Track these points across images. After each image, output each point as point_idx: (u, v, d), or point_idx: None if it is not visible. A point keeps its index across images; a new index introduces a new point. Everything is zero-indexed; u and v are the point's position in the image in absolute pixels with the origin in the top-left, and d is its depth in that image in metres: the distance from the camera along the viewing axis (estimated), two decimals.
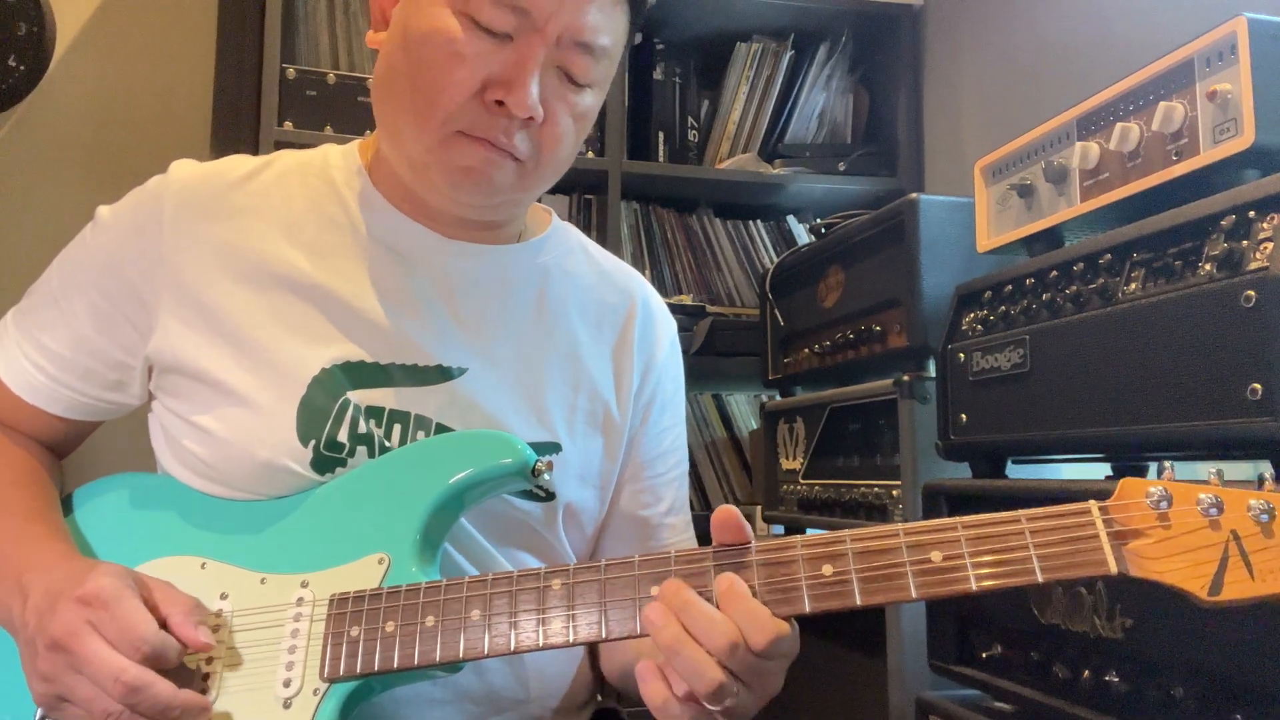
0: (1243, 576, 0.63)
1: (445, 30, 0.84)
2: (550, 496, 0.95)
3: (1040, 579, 0.67)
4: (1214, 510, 0.65)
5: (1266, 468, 0.80)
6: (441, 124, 0.86)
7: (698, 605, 0.70)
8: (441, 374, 0.92)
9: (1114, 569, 0.66)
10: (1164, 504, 0.66)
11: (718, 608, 0.71)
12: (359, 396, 0.90)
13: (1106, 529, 0.67)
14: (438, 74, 0.85)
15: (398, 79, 0.88)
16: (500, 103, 0.84)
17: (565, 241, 1.06)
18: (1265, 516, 0.63)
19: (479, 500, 0.89)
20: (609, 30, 0.88)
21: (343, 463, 0.89)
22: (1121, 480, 0.69)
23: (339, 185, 0.97)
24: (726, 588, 0.71)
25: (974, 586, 0.68)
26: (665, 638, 0.70)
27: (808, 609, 0.71)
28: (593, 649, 1.04)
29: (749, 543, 0.73)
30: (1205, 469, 0.91)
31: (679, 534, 1.07)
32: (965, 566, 0.69)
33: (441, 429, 0.91)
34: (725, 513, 0.74)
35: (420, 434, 0.91)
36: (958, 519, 0.70)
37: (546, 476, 0.89)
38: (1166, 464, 0.69)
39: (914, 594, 0.69)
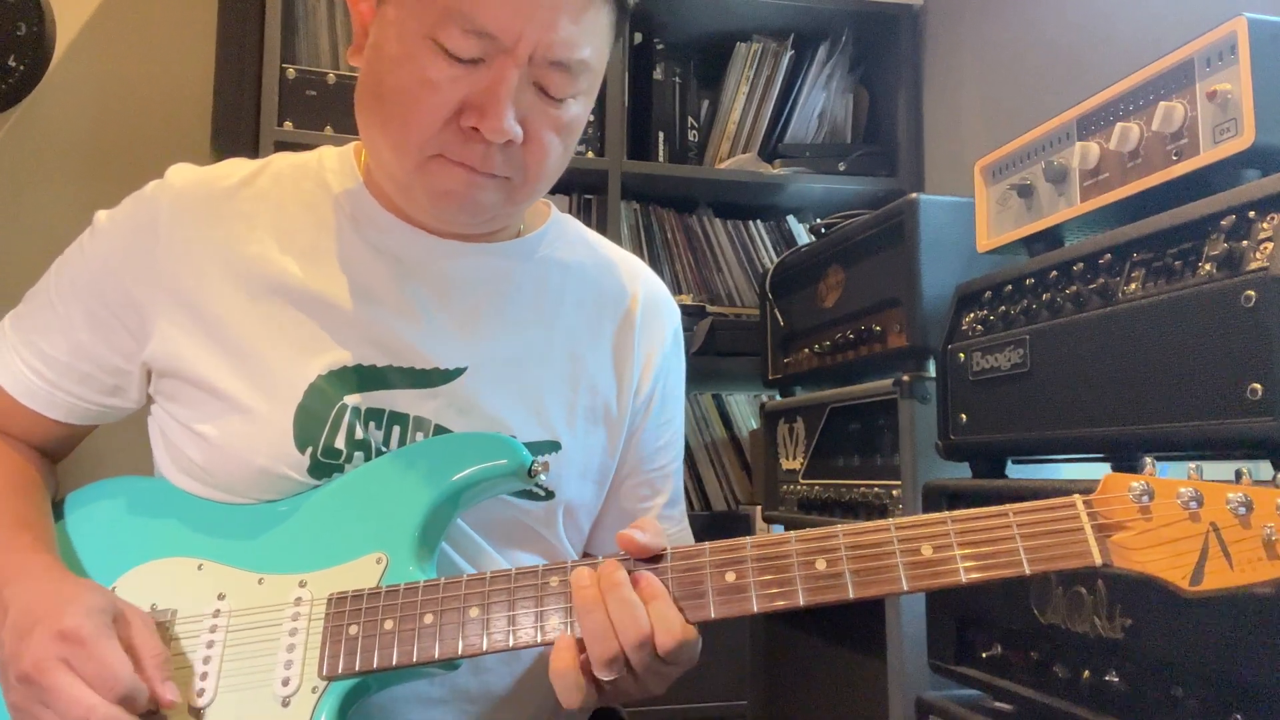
0: (1222, 567, 0.65)
1: (415, 57, 0.83)
2: (550, 495, 0.95)
3: (1028, 571, 0.69)
4: (1194, 503, 0.67)
5: (1266, 468, 0.80)
6: (418, 150, 0.85)
7: (625, 589, 0.74)
8: (439, 376, 0.92)
9: (1098, 560, 0.69)
10: (1146, 498, 0.68)
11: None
12: (356, 401, 0.89)
13: (1091, 522, 0.70)
14: (411, 102, 0.83)
15: (374, 102, 0.87)
16: (476, 128, 0.83)
17: (564, 235, 1.05)
18: (1243, 509, 0.65)
19: (476, 501, 0.89)
20: (586, 41, 0.84)
21: (340, 469, 0.89)
22: (1105, 475, 0.71)
23: (334, 189, 0.97)
24: (646, 584, 0.74)
25: (963, 578, 0.70)
26: (583, 598, 0.74)
27: (802, 602, 0.72)
28: None
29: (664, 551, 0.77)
30: (1205, 469, 0.91)
31: (676, 525, 1.08)
32: (955, 559, 0.70)
33: (440, 430, 0.91)
34: (624, 539, 0.77)
35: (419, 436, 0.91)
36: (947, 514, 0.72)
37: (543, 477, 0.89)
38: (1148, 459, 0.72)
39: (905, 586, 0.71)
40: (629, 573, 0.75)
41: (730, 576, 0.74)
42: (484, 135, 0.83)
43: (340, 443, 0.89)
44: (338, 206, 0.96)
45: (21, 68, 2.05)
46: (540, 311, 0.99)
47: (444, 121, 0.83)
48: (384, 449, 0.90)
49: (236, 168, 0.97)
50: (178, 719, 0.80)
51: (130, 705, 0.75)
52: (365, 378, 0.90)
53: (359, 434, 0.89)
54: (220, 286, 0.91)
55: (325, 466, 0.88)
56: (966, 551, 0.70)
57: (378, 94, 0.86)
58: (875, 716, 1.42)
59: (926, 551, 0.71)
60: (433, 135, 0.84)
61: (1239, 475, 0.67)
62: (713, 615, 0.74)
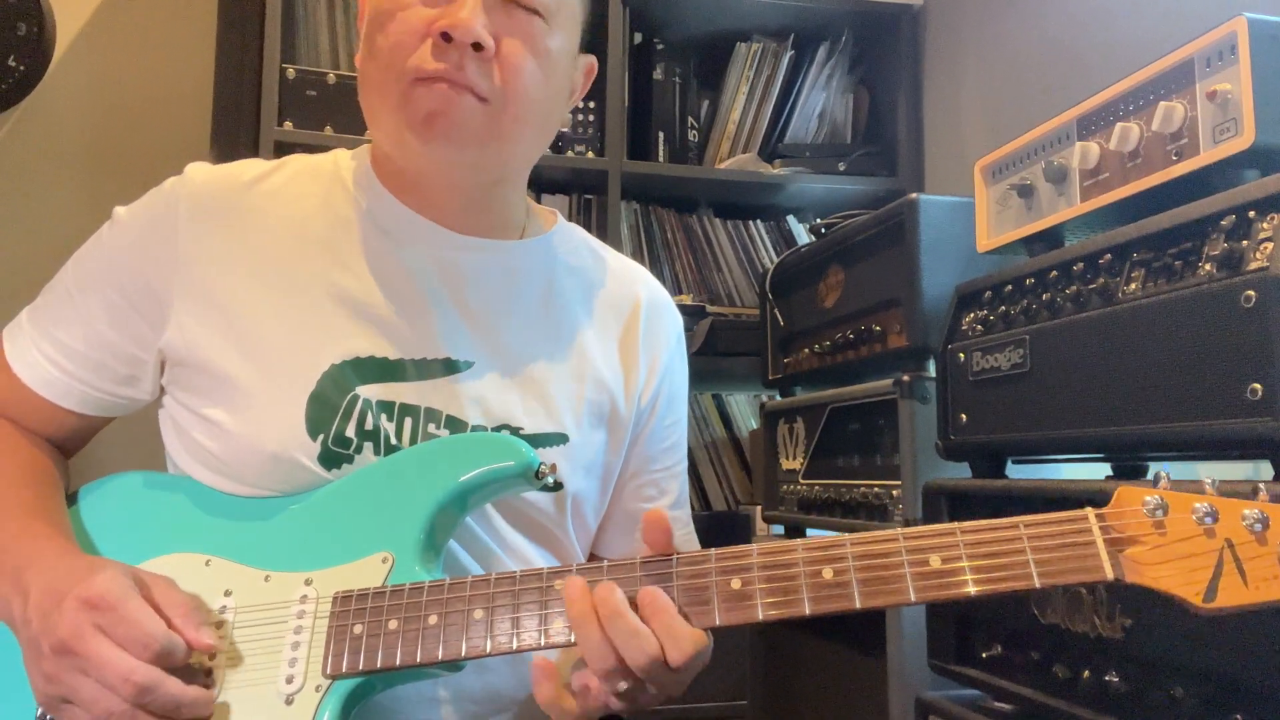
0: (1236, 584, 0.64)
1: (395, 2, 0.88)
2: (559, 486, 0.96)
3: (1038, 584, 0.68)
4: (1209, 519, 0.66)
5: (1266, 467, 0.80)
6: (399, 78, 0.88)
7: (628, 618, 0.73)
8: (449, 367, 0.94)
9: (1110, 575, 0.67)
10: (1160, 512, 0.67)
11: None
12: (369, 391, 0.91)
13: (1103, 536, 0.68)
14: (392, 38, 0.88)
15: (367, 66, 0.92)
16: (447, 36, 0.85)
17: (570, 239, 1.08)
18: (1259, 526, 0.64)
19: (483, 502, 0.90)
20: None
21: (349, 459, 0.90)
22: (1118, 488, 0.70)
23: (348, 185, 0.99)
24: (649, 601, 0.73)
25: (972, 591, 0.69)
26: (587, 637, 0.73)
27: (808, 611, 0.71)
28: None
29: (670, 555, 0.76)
30: (1205, 469, 0.91)
31: (682, 527, 1.09)
32: (964, 571, 0.70)
33: (452, 421, 0.92)
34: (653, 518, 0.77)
35: (431, 426, 0.92)
36: (956, 525, 0.71)
37: (550, 480, 0.89)
38: (1162, 472, 0.70)
39: (913, 597, 0.70)
40: (629, 591, 0.74)
41: (736, 584, 0.73)
42: (453, 35, 0.85)
43: (351, 431, 0.90)
44: (352, 201, 0.98)
45: (21, 68, 2.04)
46: (548, 308, 1.01)
47: (419, 39, 0.87)
48: (395, 440, 0.91)
49: (253, 165, 1.00)
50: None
51: (167, 660, 0.76)
52: (378, 369, 0.92)
53: (369, 424, 0.90)
54: (237, 277, 0.93)
55: (336, 455, 0.89)
56: (975, 564, 0.69)
57: (369, 56, 0.91)
58: (875, 716, 1.43)
59: (935, 563, 0.70)
60: (409, 55, 0.87)
61: (1256, 490, 0.66)
62: (718, 622, 0.73)
